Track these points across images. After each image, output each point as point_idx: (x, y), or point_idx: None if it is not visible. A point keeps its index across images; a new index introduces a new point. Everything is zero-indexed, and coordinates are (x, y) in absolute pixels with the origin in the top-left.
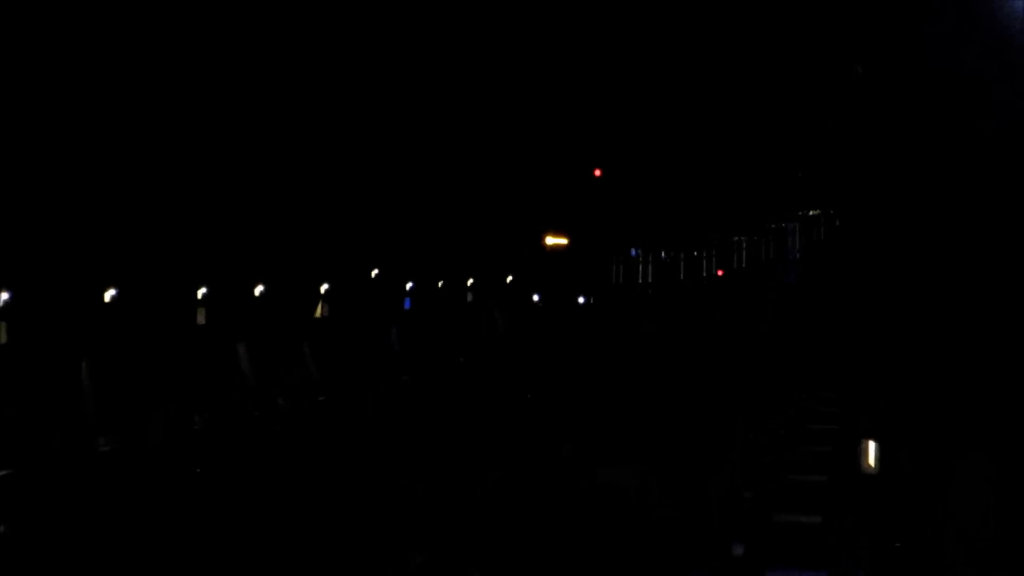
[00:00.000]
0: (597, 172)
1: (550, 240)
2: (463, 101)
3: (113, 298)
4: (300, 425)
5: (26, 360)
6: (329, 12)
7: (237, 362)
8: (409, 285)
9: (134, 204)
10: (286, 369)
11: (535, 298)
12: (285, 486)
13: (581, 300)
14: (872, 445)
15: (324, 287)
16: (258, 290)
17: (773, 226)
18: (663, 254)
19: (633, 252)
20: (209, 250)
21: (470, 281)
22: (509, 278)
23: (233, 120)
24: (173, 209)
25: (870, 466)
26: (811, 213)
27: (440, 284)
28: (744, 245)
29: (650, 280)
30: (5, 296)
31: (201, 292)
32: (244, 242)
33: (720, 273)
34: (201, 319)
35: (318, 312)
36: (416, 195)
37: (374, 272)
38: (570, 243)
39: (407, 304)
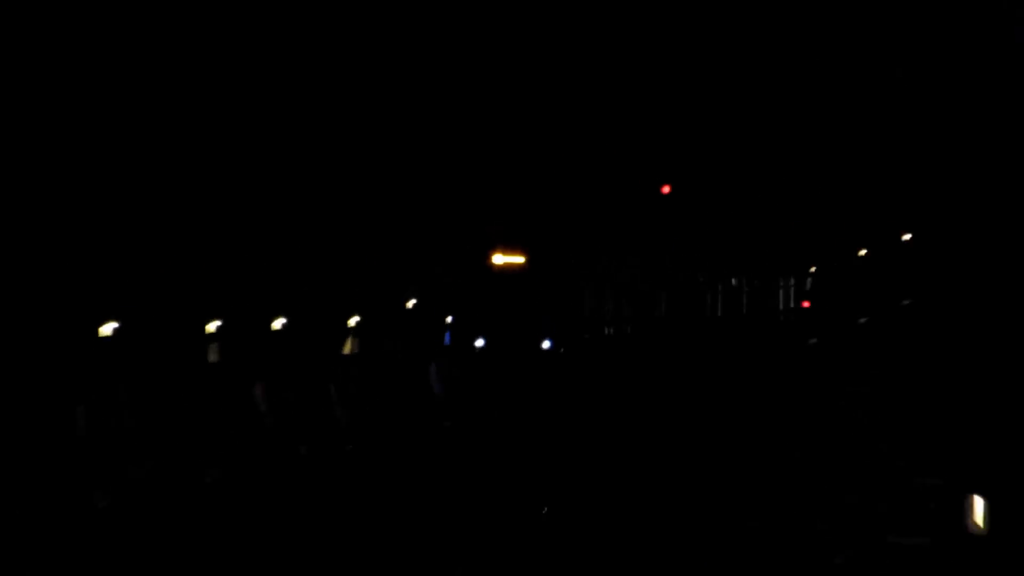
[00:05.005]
0: (666, 189)
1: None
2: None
3: (113, 332)
4: (325, 478)
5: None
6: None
7: (254, 405)
8: (450, 318)
9: (134, 222)
10: (309, 414)
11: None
12: (308, 554)
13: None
14: (980, 501)
15: (353, 320)
16: (278, 323)
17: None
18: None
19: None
20: (222, 277)
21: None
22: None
23: (246, 133)
24: (180, 230)
25: (978, 525)
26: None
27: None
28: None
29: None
30: None
31: (213, 326)
32: (262, 269)
33: (806, 304)
34: (213, 356)
35: (347, 348)
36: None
37: (410, 303)
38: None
39: (447, 339)
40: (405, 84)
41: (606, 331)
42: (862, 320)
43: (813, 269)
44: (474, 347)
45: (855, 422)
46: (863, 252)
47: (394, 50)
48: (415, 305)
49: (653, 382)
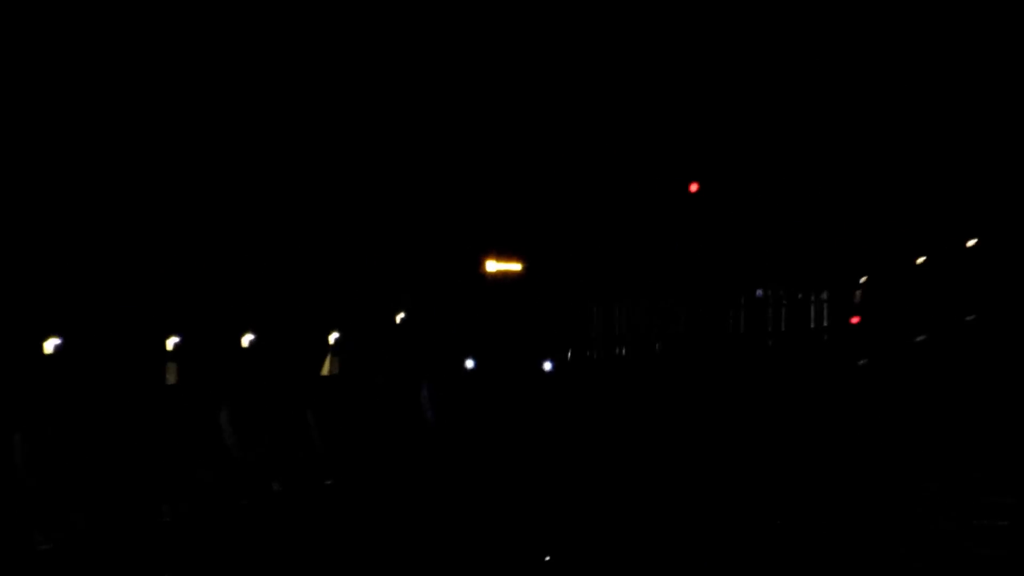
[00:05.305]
0: (693, 187)
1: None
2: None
3: (56, 349)
4: (302, 518)
5: None
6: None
7: (219, 434)
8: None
9: (81, 222)
10: (283, 444)
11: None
12: None
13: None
14: None
15: (334, 336)
16: (247, 340)
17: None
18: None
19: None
20: (183, 287)
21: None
22: None
23: (214, 128)
24: (133, 232)
25: None
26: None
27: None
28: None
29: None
30: None
31: (172, 342)
32: (229, 277)
33: (855, 320)
34: (172, 377)
35: (326, 369)
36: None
37: (399, 317)
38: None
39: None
40: (389, 69)
41: (617, 351)
42: (920, 338)
43: (863, 280)
44: (465, 369)
45: (917, 440)
46: (921, 260)
47: (377, 42)
48: (404, 319)
49: (674, 411)
